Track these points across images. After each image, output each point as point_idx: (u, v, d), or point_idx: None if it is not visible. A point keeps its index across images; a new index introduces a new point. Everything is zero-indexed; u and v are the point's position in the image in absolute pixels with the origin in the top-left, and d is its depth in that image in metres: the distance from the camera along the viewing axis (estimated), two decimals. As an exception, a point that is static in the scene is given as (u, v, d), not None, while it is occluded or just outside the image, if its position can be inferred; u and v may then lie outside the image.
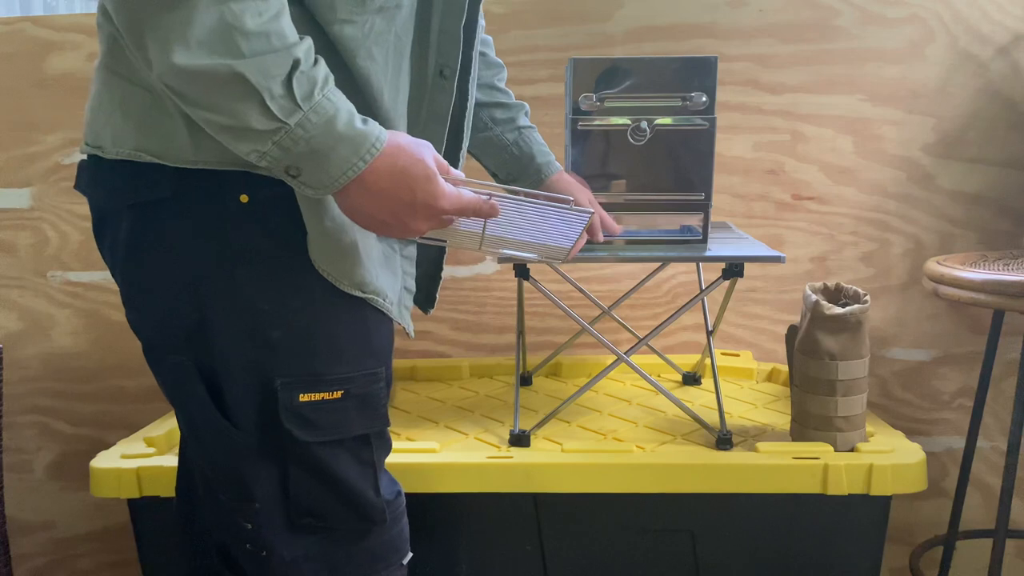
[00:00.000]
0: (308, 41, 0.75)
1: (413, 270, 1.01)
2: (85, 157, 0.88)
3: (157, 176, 0.81)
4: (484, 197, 0.83)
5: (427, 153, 0.80)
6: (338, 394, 0.87)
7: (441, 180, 0.80)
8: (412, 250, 1.00)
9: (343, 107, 0.76)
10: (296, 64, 0.73)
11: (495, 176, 1.27)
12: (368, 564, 0.93)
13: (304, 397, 0.85)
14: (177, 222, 0.82)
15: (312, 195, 0.79)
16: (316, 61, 0.75)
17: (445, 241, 0.93)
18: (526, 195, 0.88)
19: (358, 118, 0.77)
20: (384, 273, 0.93)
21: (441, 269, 1.11)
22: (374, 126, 0.77)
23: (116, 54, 0.83)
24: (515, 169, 1.23)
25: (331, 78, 0.76)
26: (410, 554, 0.97)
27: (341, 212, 0.83)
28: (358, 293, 0.88)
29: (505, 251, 0.96)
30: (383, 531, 0.93)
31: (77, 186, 0.91)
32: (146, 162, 0.81)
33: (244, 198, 0.82)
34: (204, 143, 0.80)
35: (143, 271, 0.86)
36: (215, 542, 0.96)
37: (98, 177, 0.86)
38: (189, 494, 1.02)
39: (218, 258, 0.83)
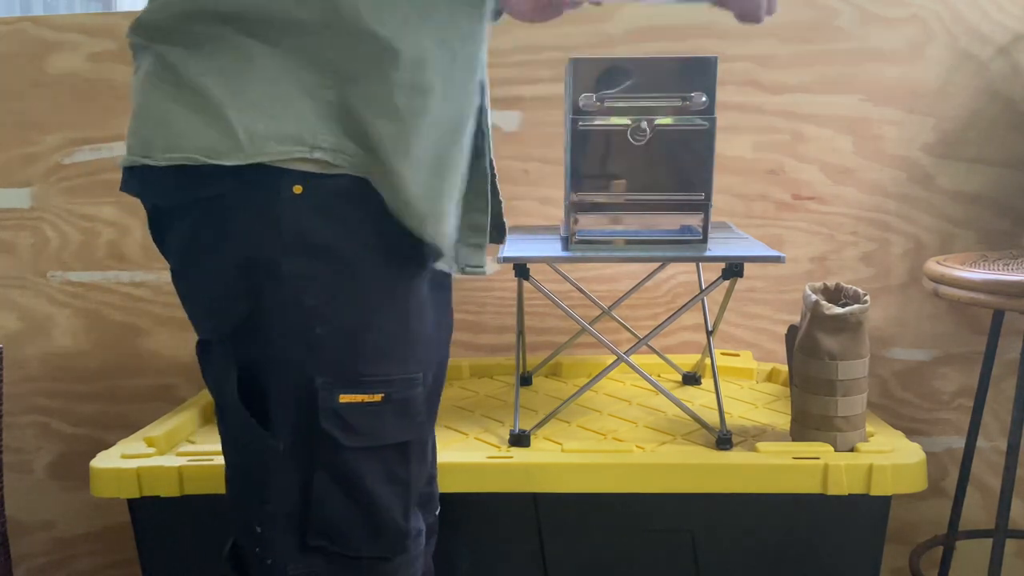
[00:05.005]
0: None
1: (482, 203, 0.93)
2: (130, 165, 0.85)
3: (215, 174, 0.79)
4: None
5: None
6: (378, 397, 0.83)
7: None
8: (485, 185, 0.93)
9: None
10: None
11: None
12: None
13: (344, 398, 0.82)
14: (235, 212, 0.81)
15: None
16: None
17: None
18: None
19: None
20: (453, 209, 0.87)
21: (497, 194, 1.02)
22: None
23: (164, 66, 0.81)
24: None
25: None
26: None
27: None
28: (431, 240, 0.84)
29: None
30: (401, 567, 0.88)
31: (125, 189, 0.87)
32: (202, 164, 0.79)
33: (298, 188, 0.79)
34: (257, 139, 0.78)
35: (199, 261, 0.84)
36: (232, 543, 0.93)
37: (151, 180, 0.84)
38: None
39: (269, 248, 0.80)
